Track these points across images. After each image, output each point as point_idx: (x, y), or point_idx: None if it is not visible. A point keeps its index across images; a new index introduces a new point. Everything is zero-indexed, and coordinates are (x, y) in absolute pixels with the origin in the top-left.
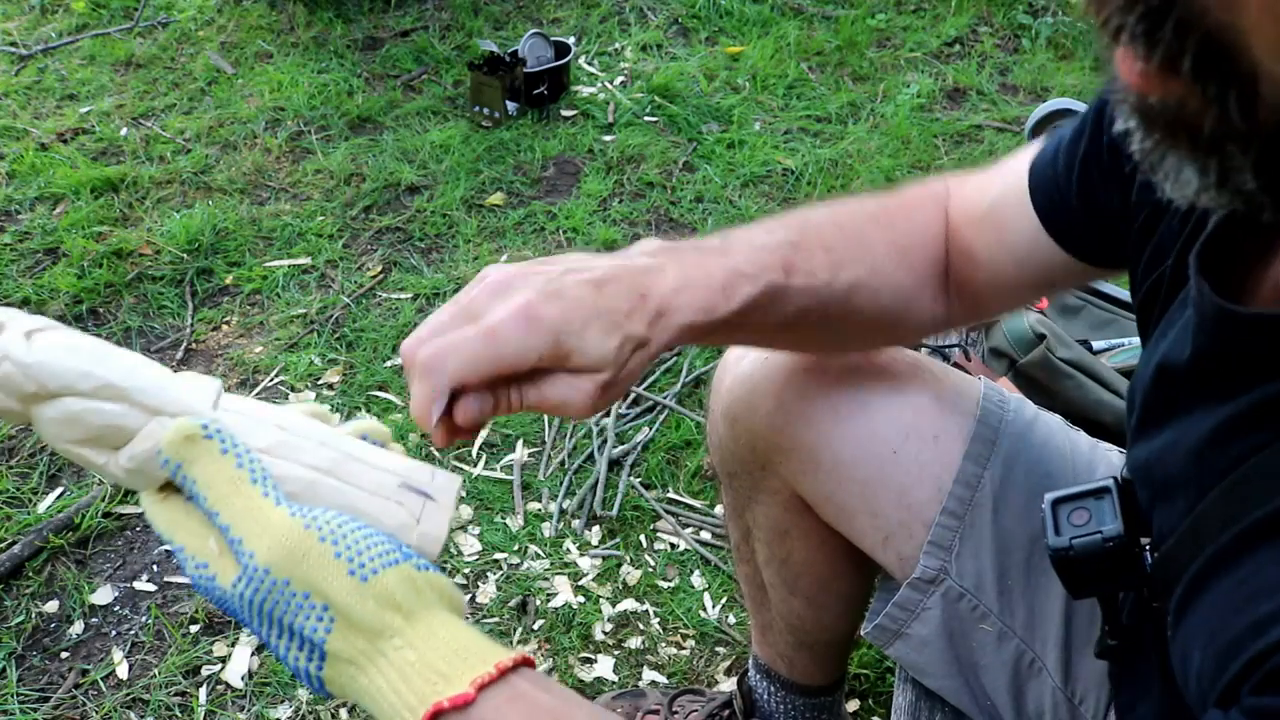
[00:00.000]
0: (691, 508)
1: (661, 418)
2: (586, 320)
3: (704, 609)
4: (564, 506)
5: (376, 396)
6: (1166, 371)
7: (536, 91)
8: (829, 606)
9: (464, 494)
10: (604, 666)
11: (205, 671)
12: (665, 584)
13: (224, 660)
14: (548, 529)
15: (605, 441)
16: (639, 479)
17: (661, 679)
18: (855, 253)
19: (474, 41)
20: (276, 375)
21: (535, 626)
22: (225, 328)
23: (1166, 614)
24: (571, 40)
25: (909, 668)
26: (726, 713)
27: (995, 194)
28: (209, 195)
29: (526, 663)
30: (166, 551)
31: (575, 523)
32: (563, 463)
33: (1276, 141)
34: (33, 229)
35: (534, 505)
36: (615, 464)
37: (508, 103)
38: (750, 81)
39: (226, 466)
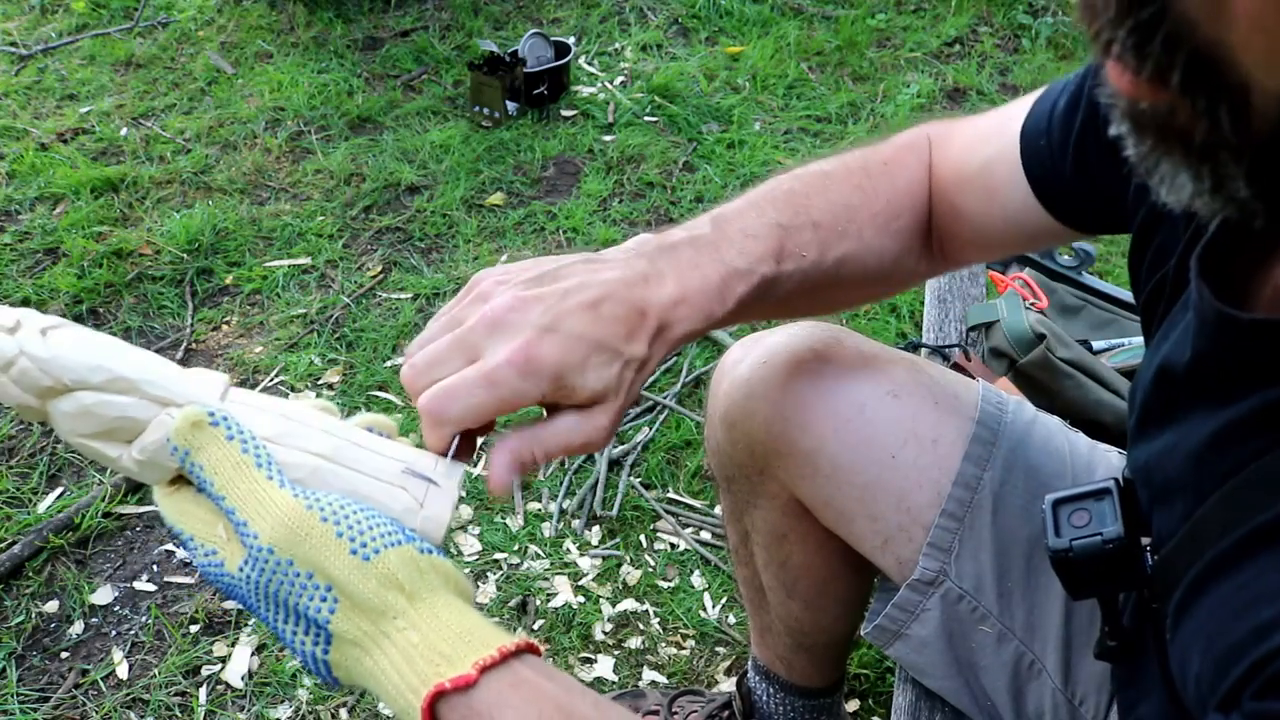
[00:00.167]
0: (691, 508)
1: (661, 418)
2: (586, 356)
3: (704, 609)
4: (564, 506)
5: (376, 396)
6: (1167, 374)
7: (536, 91)
8: (828, 609)
9: (464, 493)
10: (604, 666)
11: (205, 671)
12: (665, 584)
13: (224, 660)
14: (548, 529)
15: None
16: (639, 479)
17: (661, 679)
18: (842, 226)
19: (474, 41)
20: (276, 375)
21: (535, 626)
22: (225, 328)
23: (1165, 617)
24: (571, 40)
25: (909, 668)
26: (726, 713)
27: (986, 156)
28: (209, 195)
29: (532, 649)
30: (167, 551)
31: (575, 523)
32: (563, 463)
33: (1269, 152)
34: (33, 229)
35: (534, 505)
36: (615, 464)
37: (508, 103)
38: (750, 81)
39: (232, 452)
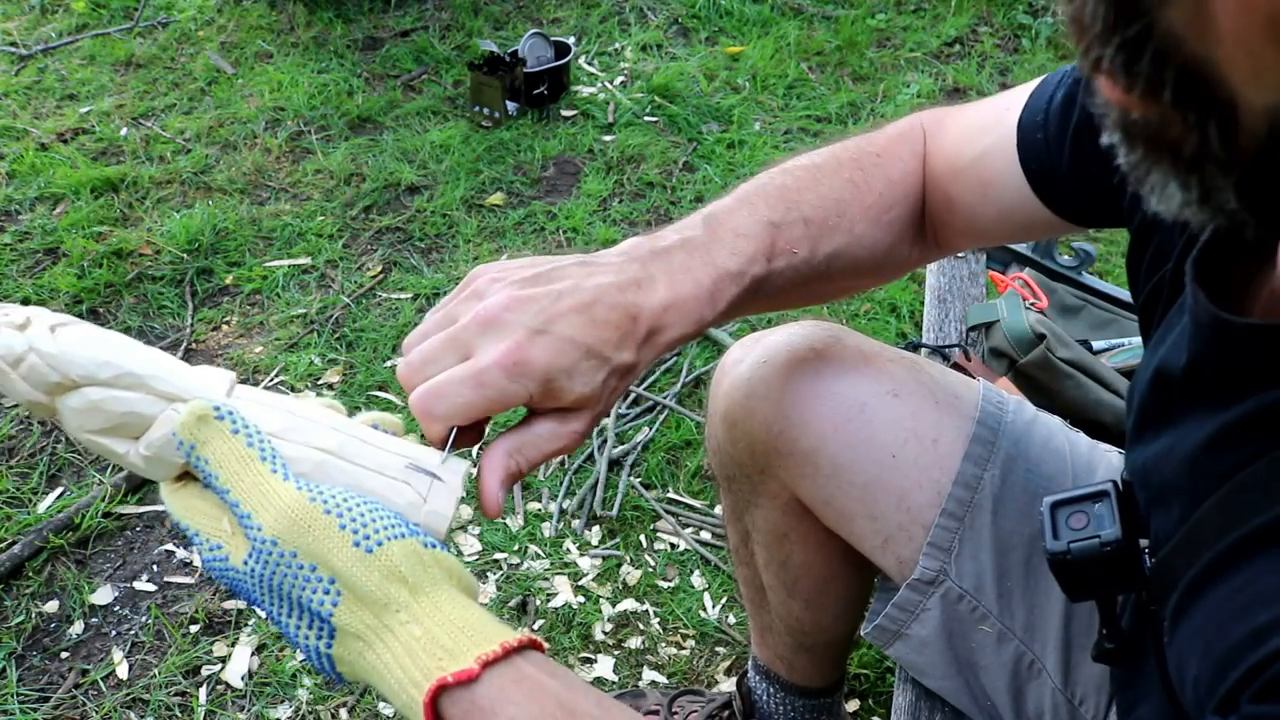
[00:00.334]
0: (691, 508)
1: (661, 418)
2: (575, 362)
3: (704, 609)
4: (564, 506)
5: (376, 396)
6: (1163, 377)
7: (536, 91)
8: (828, 608)
9: (465, 492)
10: (604, 666)
11: (205, 671)
12: (665, 584)
13: (224, 660)
14: (548, 529)
15: (605, 441)
16: (639, 479)
17: (661, 679)
18: (833, 221)
19: (474, 41)
20: (276, 375)
21: (535, 626)
22: (225, 328)
23: (1163, 619)
24: (571, 40)
25: (909, 668)
26: (726, 713)
27: (982, 148)
28: (209, 195)
29: (535, 645)
30: (167, 551)
31: (575, 523)
32: (563, 463)
33: (1257, 166)
34: (33, 229)
35: (534, 505)
36: (615, 464)
37: (508, 103)
38: (750, 81)
39: (237, 446)
